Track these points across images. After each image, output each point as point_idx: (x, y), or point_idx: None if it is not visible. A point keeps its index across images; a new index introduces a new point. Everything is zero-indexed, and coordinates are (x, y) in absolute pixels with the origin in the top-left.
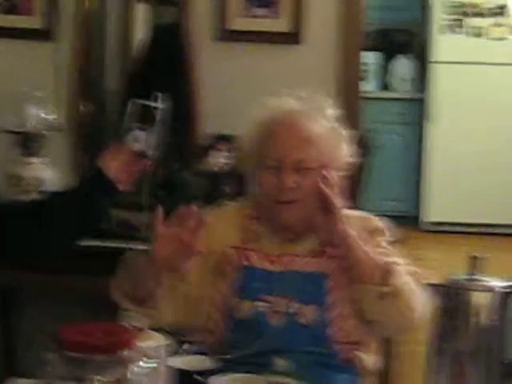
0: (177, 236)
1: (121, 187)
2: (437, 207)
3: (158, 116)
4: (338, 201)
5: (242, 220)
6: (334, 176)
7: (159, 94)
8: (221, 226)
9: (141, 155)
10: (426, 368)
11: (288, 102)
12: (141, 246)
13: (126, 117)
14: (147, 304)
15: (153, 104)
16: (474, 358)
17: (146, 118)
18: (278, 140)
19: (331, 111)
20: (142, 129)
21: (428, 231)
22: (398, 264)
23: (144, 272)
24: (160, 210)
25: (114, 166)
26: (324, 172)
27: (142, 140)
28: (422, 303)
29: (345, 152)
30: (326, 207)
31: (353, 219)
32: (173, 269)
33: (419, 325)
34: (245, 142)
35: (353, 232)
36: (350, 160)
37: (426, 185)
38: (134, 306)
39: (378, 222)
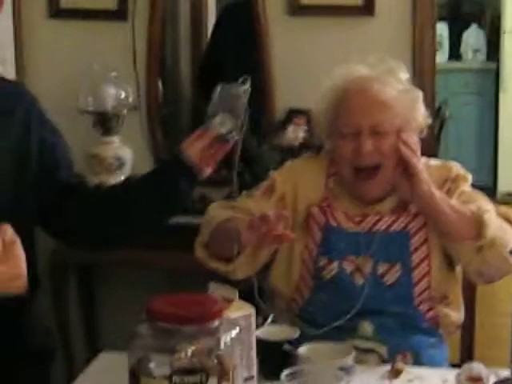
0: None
1: (202, 173)
2: (511, 177)
3: (245, 99)
4: (419, 163)
5: (324, 176)
6: (413, 138)
7: (247, 78)
8: (306, 181)
9: (224, 139)
10: (510, 336)
11: (358, 69)
12: None
13: (214, 100)
14: (233, 261)
15: (241, 88)
16: None
17: (233, 101)
18: (353, 106)
19: (403, 74)
20: (229, 112)
21: (505, 202)
22: (486, 209)
23: (229, 240)
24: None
25: (196, 151)
26: (403, 134)
27: (227, 124)
28: None
29: (421, 113)
30: (407, 170)
31: (433, 169)
32: (259, 248)
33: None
34: (318, 113)
35: (437, 192)
36: (426, 121)
37: (501, 155)
38: (219, 264)
39: (460, 169)
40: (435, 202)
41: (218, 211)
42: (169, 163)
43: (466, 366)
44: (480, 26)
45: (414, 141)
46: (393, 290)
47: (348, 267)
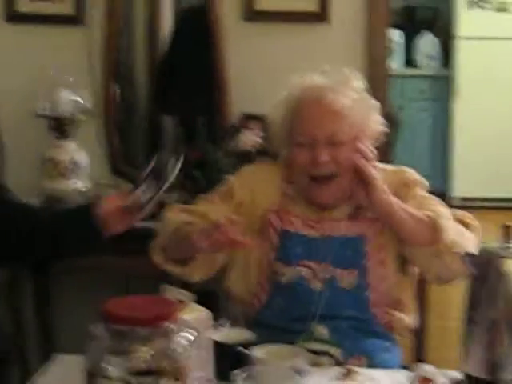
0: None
1: (106, 231)
2: (464, 183)
3: (174, 172)
4: (374, 171)
5: (281, 182)
6: (368, 146)
7: (180, 155)
8: (263, 187)
9: (140, 207)
10: (460, 338)
11: (313, 78)
12: None
13: (148, 166)
14: (189, 264)
15: (174, 160)
16: (509, 326)
17: (163, 171)
18: (309, 117)
19: (358, 82)
20: (156, 181)
21: (456, 207)
22: (442, 213)
23: (184, 243)
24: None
25: (109, 208)
26: (358, 144)
27: (149, 193)
28: (473, 244)
29: (375, 121)
30: (362, 179)
31: (388, 174)
32: (215, 252)
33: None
34: (274, 122)
35: (394, 199)
36: (381, 129)
37: (453, 161)
38: (175, 267)
39: (414, 174)
40: (392, 208)
41: (175, 215)
42: (80, 209)
43: (417, 368)
44: (434, 32)
45: (369, 149)
46: (349, 295)
47: (305, 272)
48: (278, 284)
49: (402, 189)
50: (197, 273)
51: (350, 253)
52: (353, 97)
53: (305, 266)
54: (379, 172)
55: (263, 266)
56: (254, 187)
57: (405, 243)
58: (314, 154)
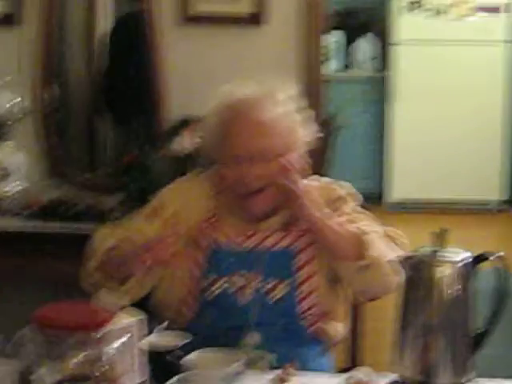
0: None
1: None
2: (401, 185)
3: None
4: (299, 188)
5: (212, 193)
6: (294, 160)
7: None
8: (195, 197)
9: None
10: (393, 342)
11: (238, 91)
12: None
13: None
14: (123, 283)
15: None
16: (441, 330)
17: None
18: (233, 135)
19: (283, 95)
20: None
21: (391, 209)
22: (368, 230)
23: (121, 264)
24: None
25: None
26: (282, 160)
27: None
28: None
29: (302, 134)
30: (288, 196)
31: (315, 191)
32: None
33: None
34: (205, 132)
35: (318, 214)
36: (309, 139)
37: (388, 163)
38: (103, 288)
39: (340, 190)
40: (317, 224)
41: (107, 235)
42: None
43: (354, 371)
44: (374, 35)
45: (294, 162)
46: (278, 306)
47: (237, 282)
48: (207, 296)
49: (334, 203)
50: (131, 293)
51: (279, 265)
52: (277, 112)
53: (237, 277)
54: (312, 185)
55: (193, 278)
56: (185, 198)
57: (331, 257)
58: (239, 174)
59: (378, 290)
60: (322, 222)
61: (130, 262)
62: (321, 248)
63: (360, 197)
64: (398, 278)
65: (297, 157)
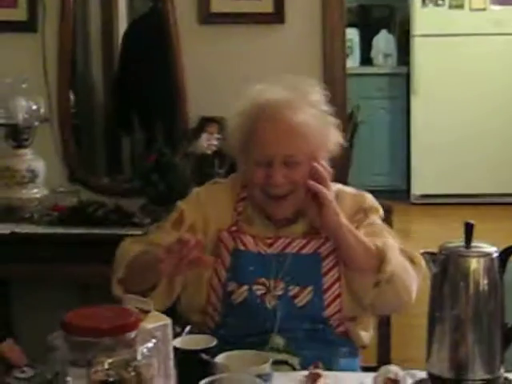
0: (179, 257)
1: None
2: (425, 179)
3: None
4: (329, 193)
5: (234, 201)
6: (324, 165)
7: None
8: (215, 207)
9: None
10: (426, 338)
11: (271, 91)
12: (134, 232)
13: None
14: (145, 295)
15: None
16: (474, 324)
17: None
18: (265, 136)
19: (317, 96)
20: None
21: (418, 204)
22: (391, 245)
23: (145, 271)
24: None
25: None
26: (314, 164)
27: None
28: (414, 283)
29: (333, 137)
30: (317, 199)
31: (345, 198)
32: (177, 276)
33: (411, 306)
34: (232, 131)
35: (345, 222)
36: (339, 143)
37: (413, 158)
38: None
39: (372, 200)
40: (341, 231)
41: (130, 246)
42: None
43: (382, 369)
44: (390, 30)
45: (325, 168)
46: (304, 312)
47: (258, 290)
48: (230, 304)
49: (358, 214)
50: (157, 303)
51: (304, 270)
52: (311, 113)
53: (258, 284)
54: (338, 194)
55: (215, 286)
56: (205, 208)
57: (348, 267)
58: (270, 174)
59: (389, 307)
60: (348, 228)
61: (153, 268)
62: (340, 257)
63: (381, 210)
64: (411, 296)
65: (327, 162)
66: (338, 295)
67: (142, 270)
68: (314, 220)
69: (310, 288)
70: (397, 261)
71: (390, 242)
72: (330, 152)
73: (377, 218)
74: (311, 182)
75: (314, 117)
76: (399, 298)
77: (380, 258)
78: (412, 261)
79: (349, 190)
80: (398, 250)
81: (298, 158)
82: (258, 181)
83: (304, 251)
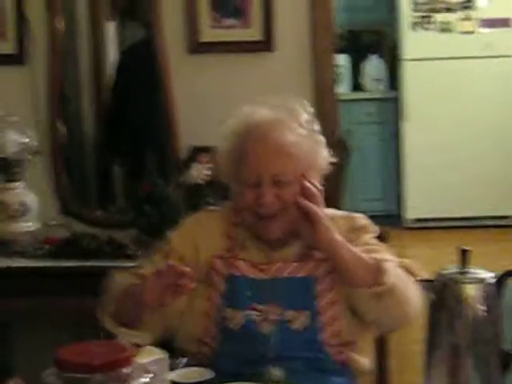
0: (165, 283)
1: None
2: (417, 204)
3: None
4: (320, 210)
5: (226, 227)
6: (315, 183)
7: None
8: (206, 236)
9: None
10: (422, 364)
11: (260, 112)
12: (128, 264)
13: None
14: (136, 326)
15: None
16: (471, 350)
17: None
18: (254, 156)
19: (305, 116)
20: None
21: (411, 228)
22: (388, 259)
23: (133, 302)
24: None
25: None
26: (304, 182)
27: None
28: (416, 294)
29: (323, 155)
30: (308, 217)
31: (337, 219)
32: (163, 305)
33: (416, 318)
34: (220, 155)
35: (339, 237)
36: (329, 162)
37: (405, 182)
38: (123, 329)
39: (363, 220)
40: (336, 246)
41: (120, 279)
42: None
43: None
44: (379, 55)
45: (315, 185)
46: (301, 336)
47: (255, 316)
48: (227, 330)
49: (351, 234)
50: (149, 334)
51: (300, 294)
52: (300, 132)
53: (254, 310)
54: (331, 217)
55: (210, 313)
56: (196, 237)
57: (347, 284)
58: (260, 194)
59: (393, 320)
60: (343, 245)
61: (139, 299)
62: (338, 276)
63: (376, 228)
64: (414, 308)
65: (318, 180)
66: (335, 318)
67: (130, 302)
68: (307, 239)
69: (306, 312)
70: (396, 273)
71: (388, 256)
72: (320, 171)
73: (370, 236)
74: (300, 199)
75: (302, 136)
76: (402, 310)
77: (377, 270)
78: (412, 272)
79: (341, 212)
80: (395, 263)
81: (288, 177)
82: (248, 201)
83: (298, 275)
